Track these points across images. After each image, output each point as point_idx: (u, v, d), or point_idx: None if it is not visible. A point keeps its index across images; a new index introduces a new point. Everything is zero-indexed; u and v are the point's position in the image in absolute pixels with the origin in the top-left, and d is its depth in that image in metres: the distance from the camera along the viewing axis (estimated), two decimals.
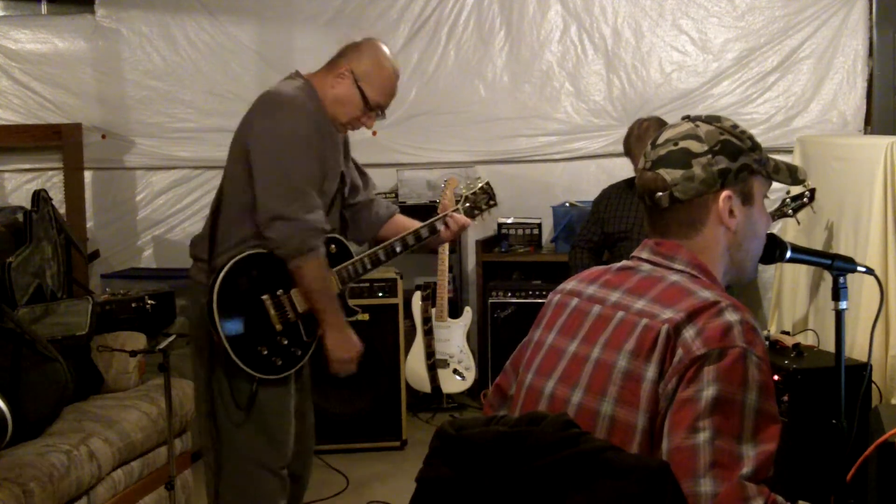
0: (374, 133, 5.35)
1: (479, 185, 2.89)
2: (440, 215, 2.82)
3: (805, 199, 3.66)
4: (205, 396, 2.66)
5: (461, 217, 2.82)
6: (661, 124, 3.73)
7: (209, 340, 2.57)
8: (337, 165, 2.70)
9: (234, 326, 2.53)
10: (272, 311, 2.56)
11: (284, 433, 2.66)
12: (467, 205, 2.86)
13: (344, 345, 2.60)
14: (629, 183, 3.96)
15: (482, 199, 2.88)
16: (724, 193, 1.50)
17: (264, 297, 2.56)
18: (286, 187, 2.50)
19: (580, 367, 1.47)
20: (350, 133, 5.30)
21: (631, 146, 3.85)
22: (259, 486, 2.65)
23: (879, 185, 3.20)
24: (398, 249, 2.75)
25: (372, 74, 2.63)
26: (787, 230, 4.22)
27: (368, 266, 2.71)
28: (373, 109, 2.67)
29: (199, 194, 5.39)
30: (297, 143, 2.54)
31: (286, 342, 2.58)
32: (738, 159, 1.50)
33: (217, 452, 2.68)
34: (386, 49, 2.70)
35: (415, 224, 2.83)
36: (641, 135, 3.78)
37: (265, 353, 2.55)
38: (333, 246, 2.69)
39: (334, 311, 2.59)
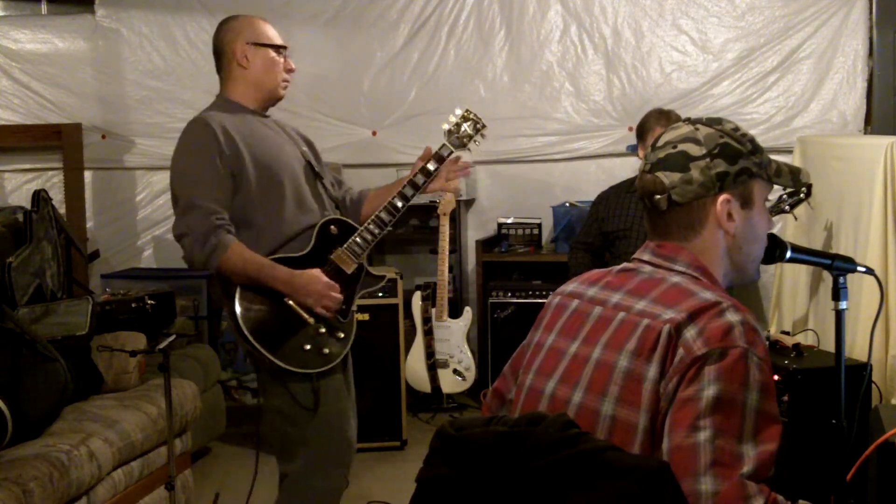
0: (374, 133, 5.37)
1: (461, 113, 2.85)
2: (425, 160, 2.77)
3: (802, 195, 3.66)
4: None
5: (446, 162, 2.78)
6: (676, 118, 3.74)
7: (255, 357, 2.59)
8: (277, 149, 2.68)
9: (271, 338, 2.54)
10: (299, 308, 2.57)
11: (347, 424, 2.67)
12: (453, 138, 2.83)
13: (304, 290, 2.55)
14: (627, 184, 3.96)
15: (468, 126, 2.84)
16: (723, 197, 1.50)
17: (287, 298, 2.56)
18: (180, 207, 2.56)
19: (581, 367, 1.47)
20: (349, 133, 5.30)
21: (649, 125, 3.80)
22: (324, 488, 2.66)
23: (879, 185, 3.20)
24: (399, 204, 2.72)
25: (257, 31, 2.71)
26: (787, 229, 4.23)
27: (375, 231, 2.70)
28: (283, 51, 2.73)
29: None
30: (184, 162, 2.59)
31: (324, 330, 2.59)
32: (738, 163, 1.50)
33: (284, 463, 2.70)
34: (238, 14, 2.77)
35: (393, 187, 2.80)
36: (661, 118, 3.76)
37: (308, 348, 2.56)
38: (333, 227, 2.69)
39: (275, 274, 2.54)
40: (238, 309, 2.53)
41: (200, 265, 2.53)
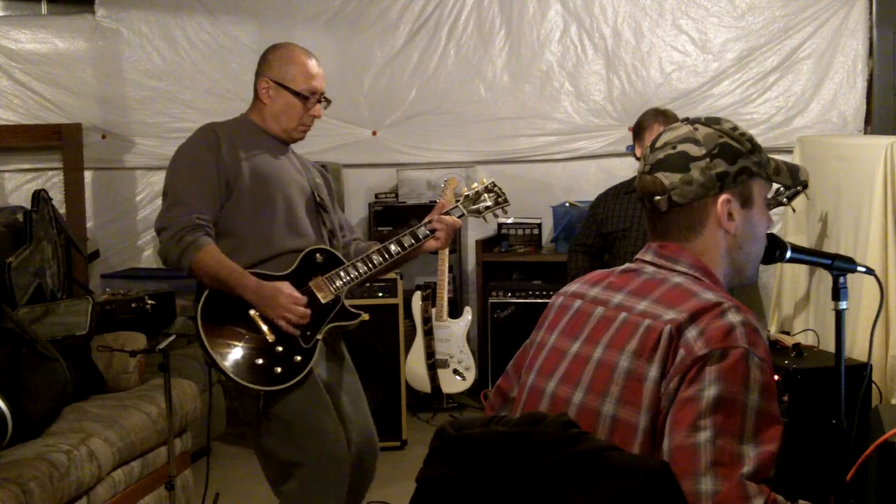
0: (375, 133, 5.37)
1: (485, 184, 2.83)
2: (433, 216, 2.74)
3: (799, 188, 3.65)
4: None
5: (448, 218, 2.73)
6: (674, 117, 3.74)
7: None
8: (277, 168, 2.67)
9: (226, 346, 2.51)
10: (262, 323, 2.54)
11: (318, 447, 2.59)
12: (468, 202, 2.81)
13: (269, 300, 2.51)
14: (625, 185, 3.96)
15: (489, 198, 2.82)
16: (723, 197, 1.50)
17: (252, 311, 2.54)
18: (167, 202, 2.57)
19: (582, 367, 1.47)
20: (349, 133, 5.29)
21: (647, 123, 3.80)
22: (315, 488, 2.60)
23: (879, 185, 3.20)
24: (392, 249, 2.69)
25: (287, 70, 2.67)
26: (787, 230, 4.23)
27: (362, 269, 2.66)
28: (309, 98, 2.68)
29: None
30: (182, 161, 2.60)
31: (281, 349, 2.54)
32: (737, 162, 1.50)
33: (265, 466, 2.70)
34: (290, 43, 2.74)
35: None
36: (659, 116, 3.76)
37: (261, 363, 2.51)
38: (319, 255, 2.66)
39: (244, 281, 2.51)
40: (201, 310, 2.51)
41: (174, 261, 2.51)
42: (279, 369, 2.52)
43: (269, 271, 2.58)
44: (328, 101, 2.75)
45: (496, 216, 2.86)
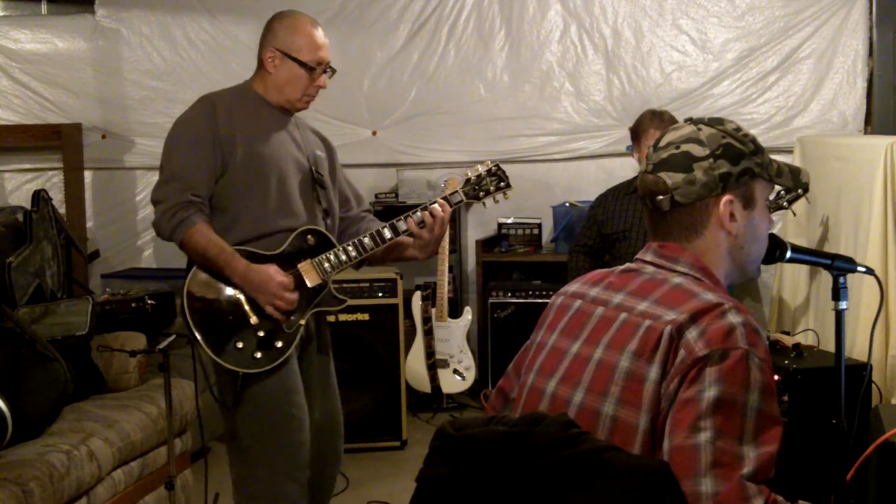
0: (375, 133, 5.37)
1: (489, 166, 2.74)
2: (429, 202, 2.68)
3: (799, 191, 3.65)
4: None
5: (440, 202, 2.65)
6: (670, 118, 3.74)
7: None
8: (274, 145, 2.64)
9: (209, 324, 2.52)
10: (246, 306, 2.54)
11: (285, 431, 2.60)
12: (469, 187, 2.72)
13: (258, 285, 2.52)
14: (625, 185, 3.96)
15: (491, 182, 2.73)
16: (726, 198, 1.50)
17: (238, 292, 2.55)
18: (164, 175, 2.60)
19: (582, 367, 1.47)
20: (349, 133, 5.27)
21: (644, 126, 3.80)
22: (274, 492, 2.59)
23: (879, 185, 3.20)
24: (387, 234, 2.65)
25: (293, 40, 2.64)
26: (788, 230, 4.23)
27: (353, 253, 2.64)
28: (315, 69, 2.66)
29: None
30: (179, 134, 2.62)
31: (263, 334, 2.54)
32: (740, 163, 1.50)
33: (231, 461, 2.70)
34: (295, 11, 2.72)
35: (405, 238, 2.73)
36: (655, 118, 3.76)
37: (241, 346, 2.52)
38: (311, 237, 2.65)
39: (232, 263, 2.51)
40: (187, 286, 2.53)
41: (166, 235, 2.54)
42: (259, 354, 2.54)
43: (258, 250, 2.58)
44: (333, 71, 2.72)
45: (496, 201, 2.78)
